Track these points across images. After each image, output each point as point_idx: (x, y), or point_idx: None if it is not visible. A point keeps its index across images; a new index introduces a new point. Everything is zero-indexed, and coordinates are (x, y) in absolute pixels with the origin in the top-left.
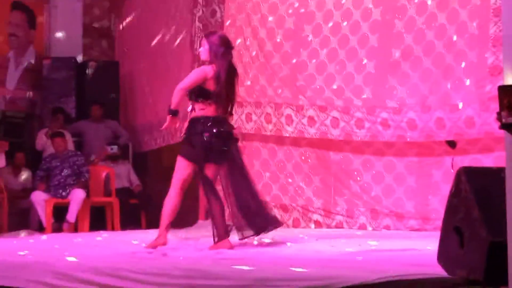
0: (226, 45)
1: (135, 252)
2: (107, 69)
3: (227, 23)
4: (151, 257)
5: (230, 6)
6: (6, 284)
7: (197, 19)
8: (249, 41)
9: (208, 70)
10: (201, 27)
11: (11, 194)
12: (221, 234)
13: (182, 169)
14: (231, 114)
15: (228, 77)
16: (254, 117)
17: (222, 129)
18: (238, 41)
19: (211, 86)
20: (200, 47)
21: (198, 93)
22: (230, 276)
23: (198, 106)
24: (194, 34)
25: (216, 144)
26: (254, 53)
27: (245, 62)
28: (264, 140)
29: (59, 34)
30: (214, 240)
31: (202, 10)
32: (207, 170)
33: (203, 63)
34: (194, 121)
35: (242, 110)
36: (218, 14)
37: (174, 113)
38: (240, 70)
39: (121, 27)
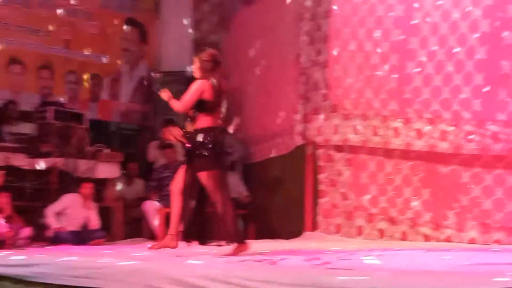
0: (214, 61)
1: (244, 260)
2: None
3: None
4: (260, 265)
5: (336, 20)
6: None
7: (303, 33)
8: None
9: (204, 83)
10: (307, 41)
11: (125, 203)
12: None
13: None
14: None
15: (220, 89)
16: (360, 130)
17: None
18: (345, 53)
19: (208, 96)
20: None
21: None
22: (339, 285)
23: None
24: (300, 48)
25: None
26: (359, 66)
27: (351, 75)
28: (372, 153)
29: (169, 48)
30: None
31: (309, 24)
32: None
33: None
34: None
35: (348, 122)
36: (324, 28)
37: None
38: (346, 83)
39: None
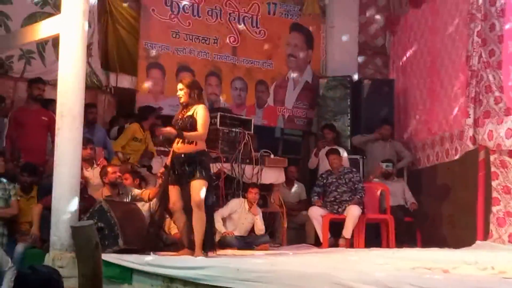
0: (200, 88)
1: (415, 268)
2: (382, 86)
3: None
4: (432, 273)
5: (511, 19)
6: None
7: (475, 34)
8: None
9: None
10: (479, 42)
11: (289, 208)
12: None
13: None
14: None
15: None
16: None
17: None
18: None
19: None
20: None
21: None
22: None
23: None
24: (472, 50)
25: None
26: None
27: None
28: None
29: (335, 53)
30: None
31: (481, 25)
32: None
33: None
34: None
35: (502, 125)
36: (497, 28)
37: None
38: None
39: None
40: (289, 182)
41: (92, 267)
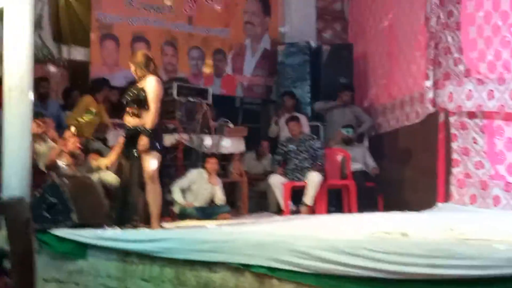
0: (147, 59)
1: (374, 232)
2: (341, 52)
3: None
4: (390, 237)
5: None
6: (248, 262)
7: None
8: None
9: (158, 80)
10: (438, 3)
11: (252, 178)
12: None
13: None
14: None
15: None
16: (496, 94)
17: None
18: (479, 14)
19: None
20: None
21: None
22: (477, 256)
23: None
24: (430, 11)
25: None
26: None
27: (486, 37)
28: (509, 118)
29: (293, 20)
30: None
31: None
32: None
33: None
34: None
35: (482, 87)
36: None
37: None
38: (481, 45)
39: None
40: (260, 156)
41: (23, 244)
